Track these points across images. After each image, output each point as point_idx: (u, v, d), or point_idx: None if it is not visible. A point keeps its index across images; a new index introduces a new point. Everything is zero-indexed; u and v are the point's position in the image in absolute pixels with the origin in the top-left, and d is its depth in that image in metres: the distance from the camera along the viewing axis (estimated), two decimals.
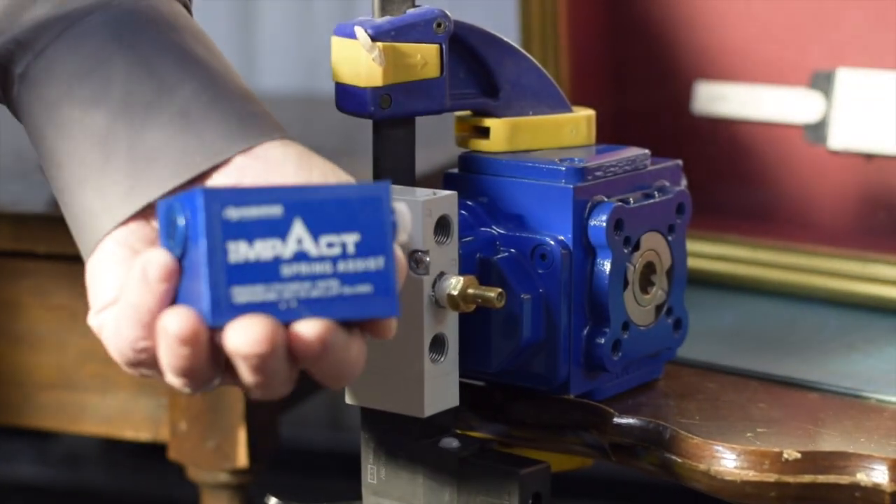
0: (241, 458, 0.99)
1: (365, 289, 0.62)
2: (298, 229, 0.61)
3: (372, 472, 0.79)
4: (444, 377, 0.76)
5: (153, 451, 1.06)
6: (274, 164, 0.66)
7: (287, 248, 0.61)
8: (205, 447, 1.00)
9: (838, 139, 1.00)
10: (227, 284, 0.60)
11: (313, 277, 0.61)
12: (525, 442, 0.81)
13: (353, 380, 0.64)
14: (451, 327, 0.76)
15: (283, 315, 0.60)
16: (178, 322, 0.59)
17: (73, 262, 1.01)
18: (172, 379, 0.62)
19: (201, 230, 0.60)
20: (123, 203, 0.65)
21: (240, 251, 0.60)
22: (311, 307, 0.61)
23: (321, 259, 0.61)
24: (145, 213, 0.66)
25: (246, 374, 0.61)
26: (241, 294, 0.60)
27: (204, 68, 0.67)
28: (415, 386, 0.75)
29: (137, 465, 1.27)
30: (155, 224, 0.65)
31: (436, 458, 0.76)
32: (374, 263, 0.62)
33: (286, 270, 0.61)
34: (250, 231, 0.60)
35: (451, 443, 0.77)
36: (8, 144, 1.26)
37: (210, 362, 0.61)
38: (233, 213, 0.60)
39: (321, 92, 1.60)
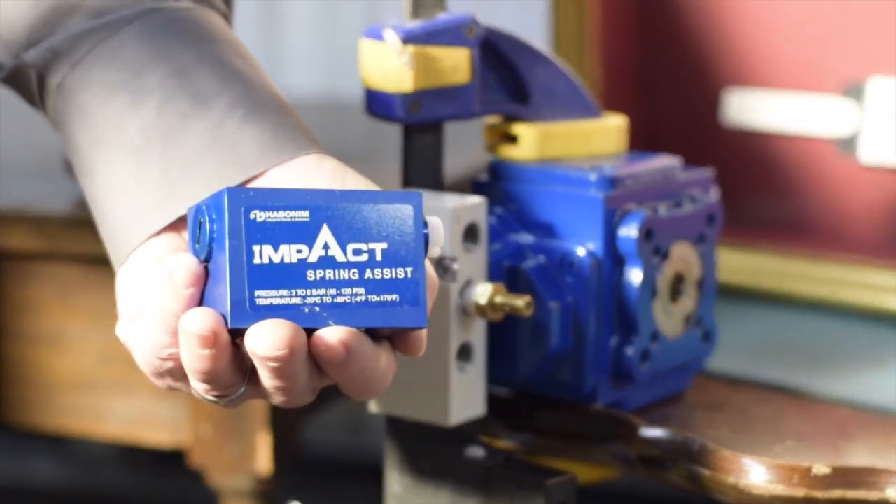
0: (264, 464, 1.00)
1: (392, 298, 0.62)
2: (325, 235, 0.62)
3: (396, 481, 0.79)
4: (470, 385, 0.76)
5: (173, 457, 1.06)
6: (308, 179, 0.66)
7: (313, 253, 0.61)
8: (226, 452, 1.00)
9: (870, 153, 1.00)
10: (249, 287, 0.60)
11: (339, 284, 0.61)
12: (551, 452, 0.82)
13: (382, 393, 0.64)
14: (478, 335, 0.76)
15: (307, 320, 0.61)
16: (197, 322, 0.59)
17: (95, 263, 1.02)
18: (197, 385, 0.62)
19: (226, 231, 0.60)
20: (156, 214, 0.66)
21: (264, 254, 0.60)
22: (335, 313, 0.61)
23: (348, 266, 0.62)
24: (177, 224, 0.66)
25: (267, 379, 0.61)
26: (264, 297, 0.60)
27: (241, 80, 0.68)
28: (441, 394, 0.75)
29: (157, 470, 1.27)
30: (186, 236, 0.66)
31: (461, 468, 0.77)
32: (402, 273, 0.62)
33: (311, 275, 0.61)
34: (276, 234, 0.61)
35: (477, 452, 0.77)
36: (32, 146, 1.26)
37: (232, 366, 0.61)
38: (258, 216, 0.60)
39: (345, 94, 1.60)
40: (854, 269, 0.98)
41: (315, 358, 0.61)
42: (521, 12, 1.41)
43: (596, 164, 0.79)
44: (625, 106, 1.00)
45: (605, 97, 1.05)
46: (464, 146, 1.02)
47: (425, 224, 0.64)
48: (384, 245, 0.62)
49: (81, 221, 1.02)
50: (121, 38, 0.68)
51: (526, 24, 1.06)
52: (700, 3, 1.06)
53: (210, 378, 0.61)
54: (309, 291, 0.61)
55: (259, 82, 0.69)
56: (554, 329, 0.77)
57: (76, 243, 1.01)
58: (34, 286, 1.05)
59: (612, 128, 0.83)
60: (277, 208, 0.61)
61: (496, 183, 0.80)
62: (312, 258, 0.61)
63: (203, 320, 0.59)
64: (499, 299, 0.74)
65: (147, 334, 0.63)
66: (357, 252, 0.62)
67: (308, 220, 0.61)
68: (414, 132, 0.78)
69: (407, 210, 0.63)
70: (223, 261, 0.60)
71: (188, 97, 0.66)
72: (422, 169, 0.78)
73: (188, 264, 0.61)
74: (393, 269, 0.62)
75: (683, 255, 0.81)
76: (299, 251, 0.61)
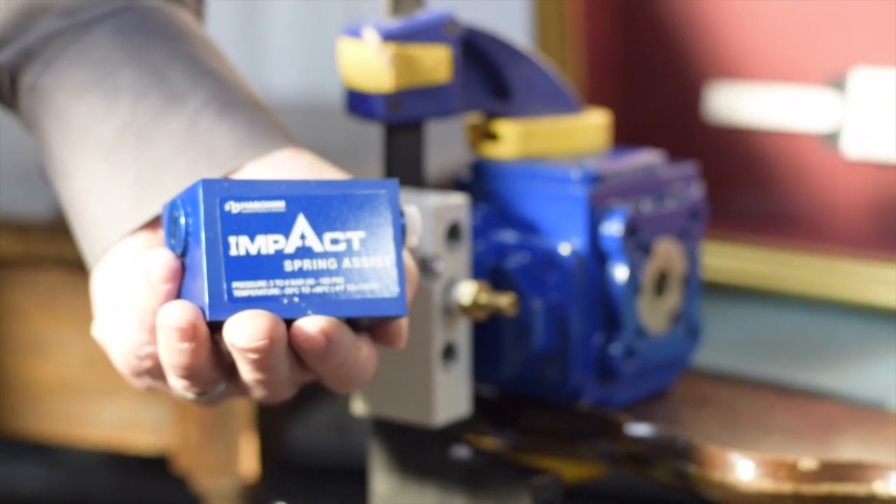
0: (249, 467, 1.00)
1: (371, 287, 0.62)
2: (302, 225, 0.61)
3: (381, 482, 0.79)
4: (455, 385, 0.76)
5: (158, 461, 1.06)
6: (284, 173, 0.66)
7: (290, 244, 0.61)
8: (211, 455, 1.00)
9: (854, 147, 1.00)
10: (227, 278, 0.60)
11: (317, 274, 0.61)
12: (537, 451, 0.81)
13: (363, 385, 0.64)
14: (462, 335, 0.76)
15: (286, 311, 0.60)
16: (175, 314, 0.59)
17: (77, 268, 1.02)
18: (175, 382, 0.62)
19: (201, 223, 0.60)
20: (131, 213, 0.66)
21: (240, 245, 0.60)
22: (314, 304, 0.61)
23: (325, 255, 0.61)
24: (153, 223, 0.66)
25: (247, 372, 0.61)
26: (242, 289, 0.60)
27: (214, 78, 0.68)
28: (426, 394, 0.75)
29: (142, 474, 1.27)
30: (162, 233, 0.66)
31: (446, 468, 0.77)
32: (380, 261, 0.62)
33: (289, 266, 0.61)
34: (252, 225, 0.60)
35: (462, 452, 0.77)
36: (10, 150, 1.26)
37: (211, 361, 0.61)
38: (234, 207, 0.60)
39: (326, 94, 1.60)
40: (839, 263, 0.98)
41: (295, 349, 0.61)
42: (501, 9, 1.41)
43: (578, 160, 0.79)
44: (607, 101, 1.00)
45: (587, 93, 1.05)
46: (445, 145, 1.02)
47: (402, 213, 0.63)
48: (361, 234, 0.62)
49: (63, 227, 1.01)
50: (92, 38, 0.68)
51: (506, 20, 1.06)
52: None
53: (189, 373, 0.61)
54: (287, 282, 0.61)
55: (232, 80, 0.69)
56: (538, 327, 0.77)
57: (58, 248, 1.01)
58: (16, 292, 1.04)
59: (594, 124, 0.83)
60: (252, 199, 0.60)
61: (478, 181, 0.80)
62: (289, 248, 0.61)
63: (181, 313, 0.59)
64: (483, 298, 0.74)
65: (124, 333, 0.63)
66: (334, 241, 0.62)
67: (284, 210, 0.61)
68: (395, 131, 0.78)
69: (383, 198, 0.63)
70: (199, 254, 0.60)
71: (161, 95, 0.66)
72: (403, 168, 0.78)
73: (164, 260, 0.61)
74: (371, 258, 0.62)
75: (667, 251, 0.81)
76: (276, 242, 0.61)
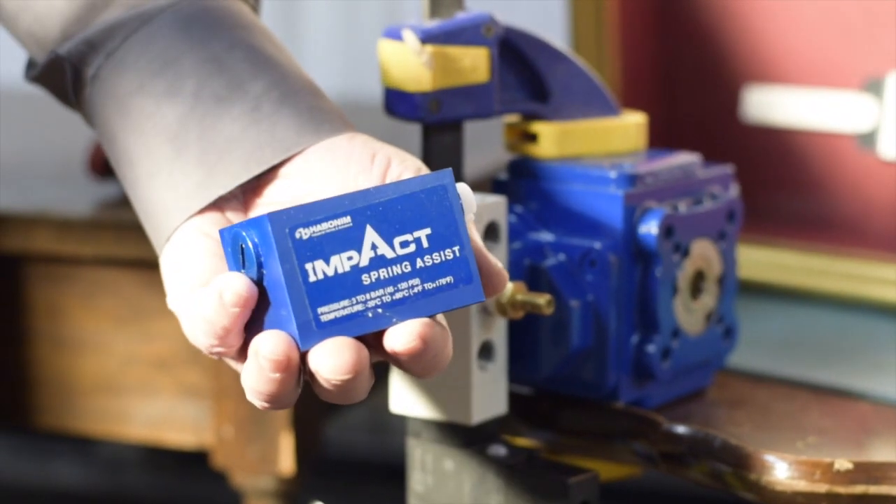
0: (287, 465, 1.00)
1: (446, 280, 0.62)
2: (371, 236, 0.61)
3: (418, 480, 0.79)
4: (492, 384, 0.76)
5: (196, 458, 1.07)
6: (343, 156, 0.66)
7: (363, 257, 0.61)
8: (249, 453, 1.01)
9: (891, 148, 1.00)
10: (311, 306, 0.60)
11: (394, 280, 0.61)
12: (573, 450, 0.82)
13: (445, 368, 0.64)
14: (499, 334, 0.76)
15: (372, 324, 0.61)
16: (271, 346, 0.59)
17: (117, 266, 1.03)
18: (254, 400, 0.62)
19: (275, 256, 0.60)
20: (195, 195, 0.67)
21: (317, 270, 0.60)
22: (398, 310, 0.61)
23: (398, 260, 0.61)
24: (218, 203, 0.67)
25: (327, 392, 0.61)
26: (327, 312, 0.60)
27: (274, 65, 0.69)
28: (463, 393, 0.75)
29: (180, 471, 1.27)
30: (228, 215, 0.67)
31: (483, 466, 0.77)
32: (450, 253, 0.62)
33: (366, 279, 0.61)
34: (324, 248, 0.60)
35: (499, 451, 0.77)
36: (54, 149, 1.27)
37: (296, 385, 0.62)
38: (303, 233, 0.60)
39: (364, 94, 1.61)
40: (876, 265, 0.98)
41: (391, 356, 0.61)
42: (539, 10, 1.41)
43: (616, 161, 0.80)
44: (644, 103, 1.00)
45: (625, 95, 1.05)
46: (483, 145, 1.02)
47: (458, 196, 0.64)
48: (427, 230, 0.62)
49: (103, 224, 1.02)
50: (154, 27, 0.69)
51: (544, 22, 1.06)
52: (719, 0, 1.06)
53: (273, 400, 0.61)
54: (368, 295, 0.61)
55: (292, 68, 0.69)
56: (575, 327, 0.77)
57: (98, 246, 1.02)
58: (57, 289, 1.05)
59: (631, 125, 0.83)
60: (319, 221, 0.61)
61: (516, 181, 0.81)
62: (364, 262, 0.61)
63: (276, 345, 0.59)
64: (519, 298, 0.74)
65: (195, 333, 0.63)
66: (404, 244, 0.62)
67: (351, 225, 0.61)
68: (433, 131, 0.78)
69: (441, 191, 0.63)
70: (279, 285, 0.60)
71: (224, 82, 0.67)
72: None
73: (239, 288, 0.60)
74: (441, 252, 0.62)
75: (704, 252, 0.81)
76: (350, 258, 0.61)
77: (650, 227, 0.77)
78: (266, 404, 0.62)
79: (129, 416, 1.04)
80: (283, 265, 0.60)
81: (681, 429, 0.78)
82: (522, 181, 0.80)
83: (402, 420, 0.80)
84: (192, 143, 0.67)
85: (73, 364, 1.05)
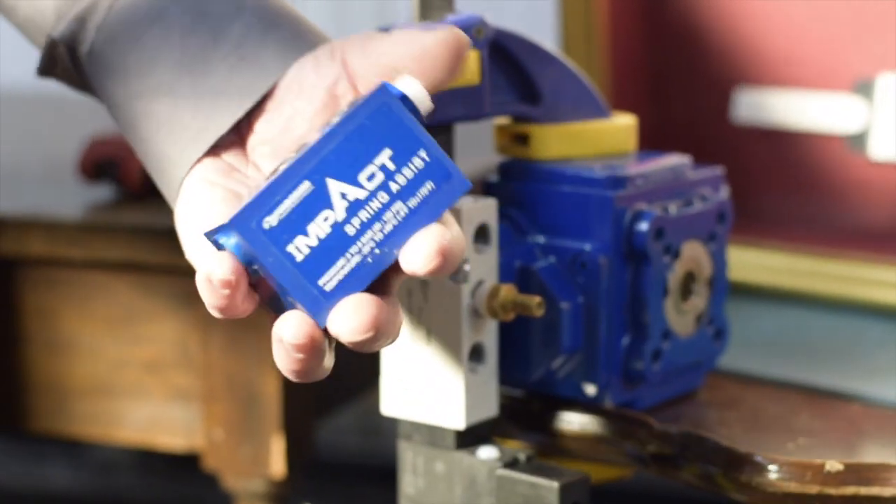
0: (278, 467, 1.00)
1: (428, 188, 0.61)
2: (336, 187, 0.60)
3: (409, 483, 0.79)
4: (482, 387, 0.76)
5: (187, 460, 1.07)
6: (310, 73, 0.67)
7: (338, 211, 0.60)
8: (240, 456, 1.00)
9: (880, 149, 1.00)
10: (311, 283, 0.59)
11: (378, 216, 0.60)
12: (564, 452, 0.82)
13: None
14: (490, 336, 0.76)
15: (376, 266, 0.60)
16: (292, 330, 0.59)
17: (108, 269, 1.02)
18: (290, 377, 0.62)
19: (256, 255, 0.59)
20: (195, 144, 0.67)
21: (300, 247, 0.60)
22: (395, 240, 0.60)
23: (373, 195, 0.61)
24: (216, 150, 0.67)
25: (357, 348, 0.61)
26: (329, 280, 0.60)
27: (253, 2, 0.70)
28: (453, 396, 0.75)
29: (171, 473, 1.27)
30: (226, 158, 0.67)
31: (474, 469, 0.77)
32: (419, 161, 0.62)
33: (350, 230, 0.60)
34: (296, 223, 0.60)
35: (490, 453, 0.77)
36: (44, 152, 1.27)
37: (325, 356, 0.61)
38: (271, 221, 0.60)
39: None
40: (866, 266, 0.98)
41: (421, 277, 0.60)
42: (529, 13, 1.41)
43: (606, 163, 0.79)
44: (634, 105, 1.00)
45: (615, 97, 1.05)
46: (474, 147, 1.02)
47: (403, 96, 0.62)
48: (388, 152, 0.61)
49: (94, 227, 1.02)
50: None
51: (534, 24, 1.06)
52: (709, 2, 1.06)
53: (307, 376, 0.61)
54: (360, 243, 0.60)
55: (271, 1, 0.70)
56: (565, 329, 0.77)
57: (89, 249, 1.02)
58: (48, 292, 1.05)
59: (621, 128, 0.83)
60: (280, 201, 0.60)
61: (507, 183, 0.81)
62: (340, 215, 0.60)
63: (298, 328, 0.59)
64: (510, 300, 0.74)
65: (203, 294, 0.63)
66: (371, 178, 0.61)
67: (312, 188, 0.60)
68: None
69: (384, 109, 0.62)
70: (273, 278, 0.60)
71: (207, 28, 0.68)
72: None
73: (222, 274, 0.60)
74: (410, 165, 0.61)
75: (694, 254, 0.81)
76: (326, 219, 0.60)
77: (641, 229, 0.77)
78: (302, 380, 0.62)
79: (121, 419, 1.04)
80: (266, 260, 0.59)
81: (672, 430, 0.78)
82: (513, 183, 0.80)
83: (393, 422, 0.79)
84: (186, 95, 0.68)
85: (64, 367, 1.05)
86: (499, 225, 0.76)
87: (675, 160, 0.81)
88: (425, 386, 0.76)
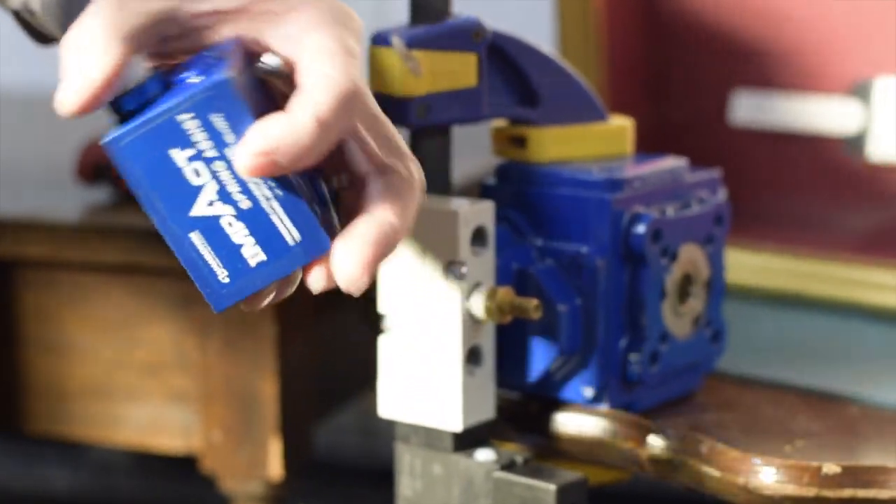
0: (275, 469, 1.00)
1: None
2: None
3: (407, 485, 0.79)
4: (480, 389, 0.76)
5: (185, 462, 1.07)
6: None
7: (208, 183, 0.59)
8: (238, 458, 1.00)
9: (878, 151, 1.00)
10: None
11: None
12: (562, 454, 0.81)
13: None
14: (487, 339, 0.76)
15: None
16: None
17: (106, 272, 1.02)
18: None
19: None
20: None
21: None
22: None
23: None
24: None
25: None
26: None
27: None
28: (451, 398, 0.75)
29: (169, 475, 1.27)
30: None
31: (472, 471, 0.77)
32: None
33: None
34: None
35: (487, 455, 0.77)
36: (42, 154, 1.27)
37: None
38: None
39: None
40: (864, 268, 0.98)
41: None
42: (526, 15, 1.41)
43: (603, 166, 0.79)
44: (631, 108, 1.00)
45: (612, 100, 1.05)
46: (472, 149, 1.02)
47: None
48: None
49: (92, 229, 1.02)
50: None
51: (532, 27, 1.06)
52: (706, 5, 1.06)
53: None
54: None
55: None
56: (563, 331, 0.77)
57: (87, 252, 1.01)
58: (46, 294, 1.05)
59: (618, 130, 0.83)
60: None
61: (504, 186, 0.81)
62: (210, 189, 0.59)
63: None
64: (508, 302, 0.74)
65: None
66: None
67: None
68: (422, 136, 0.78)
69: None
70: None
71: None
72: (430, 172, 0.78)
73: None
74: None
75: (692, 256, 0.81)
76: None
77: (638, 232, 0.77)
78: None
79: (118, 421, 1.04)
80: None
81: (669, 432, 0.78)
82: (511, 186, 0.80)
83: (391, 424, 0.79)
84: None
85: (62, 369, 1.05)
86: (496, 228, 0.76)
87: (672, 162, 0.81)
88: (423, 388, 0.76)
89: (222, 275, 0.60)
